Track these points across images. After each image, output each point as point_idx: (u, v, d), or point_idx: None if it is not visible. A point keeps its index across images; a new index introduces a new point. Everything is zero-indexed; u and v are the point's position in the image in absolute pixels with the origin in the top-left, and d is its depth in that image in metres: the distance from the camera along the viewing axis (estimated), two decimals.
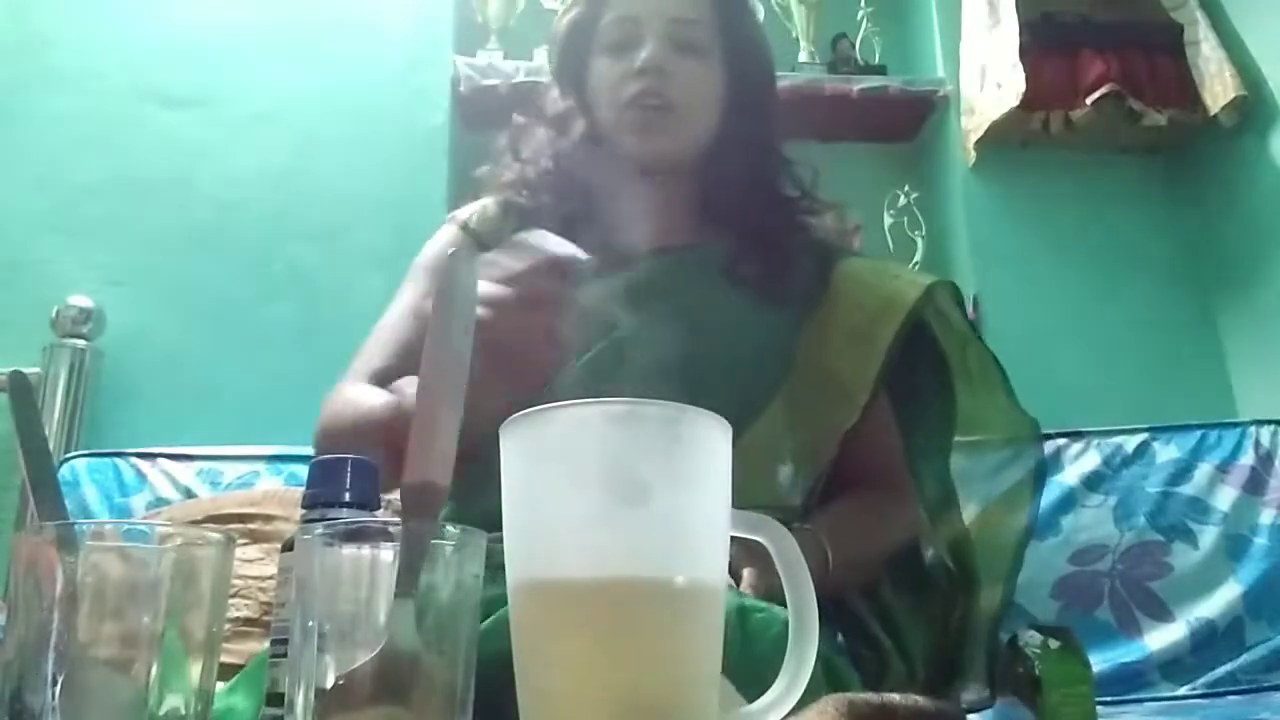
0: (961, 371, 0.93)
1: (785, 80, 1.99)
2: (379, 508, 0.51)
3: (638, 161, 0.99)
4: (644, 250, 0.95)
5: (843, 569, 0.82)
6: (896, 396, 0.95)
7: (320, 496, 0.50)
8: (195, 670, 0.38)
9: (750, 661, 0.45)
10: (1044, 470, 0.93)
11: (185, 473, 1.49)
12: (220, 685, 0.57)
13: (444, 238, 1.03)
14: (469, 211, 1.03)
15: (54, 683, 0.35)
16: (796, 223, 1.02)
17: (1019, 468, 0.91)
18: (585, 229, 0.93)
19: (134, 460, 1.49)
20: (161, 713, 0.37)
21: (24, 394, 0.41)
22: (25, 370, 0.45)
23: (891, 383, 0.93)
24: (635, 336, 0.82)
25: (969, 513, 0.89)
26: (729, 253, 0.97)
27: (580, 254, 0.57)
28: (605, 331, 0.86)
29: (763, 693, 0.41)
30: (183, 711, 0.37)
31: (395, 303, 0.98)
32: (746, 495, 0.43)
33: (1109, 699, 1.28)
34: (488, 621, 0.51)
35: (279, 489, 1.43)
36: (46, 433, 1.64)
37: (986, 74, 1.98)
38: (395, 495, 0.40)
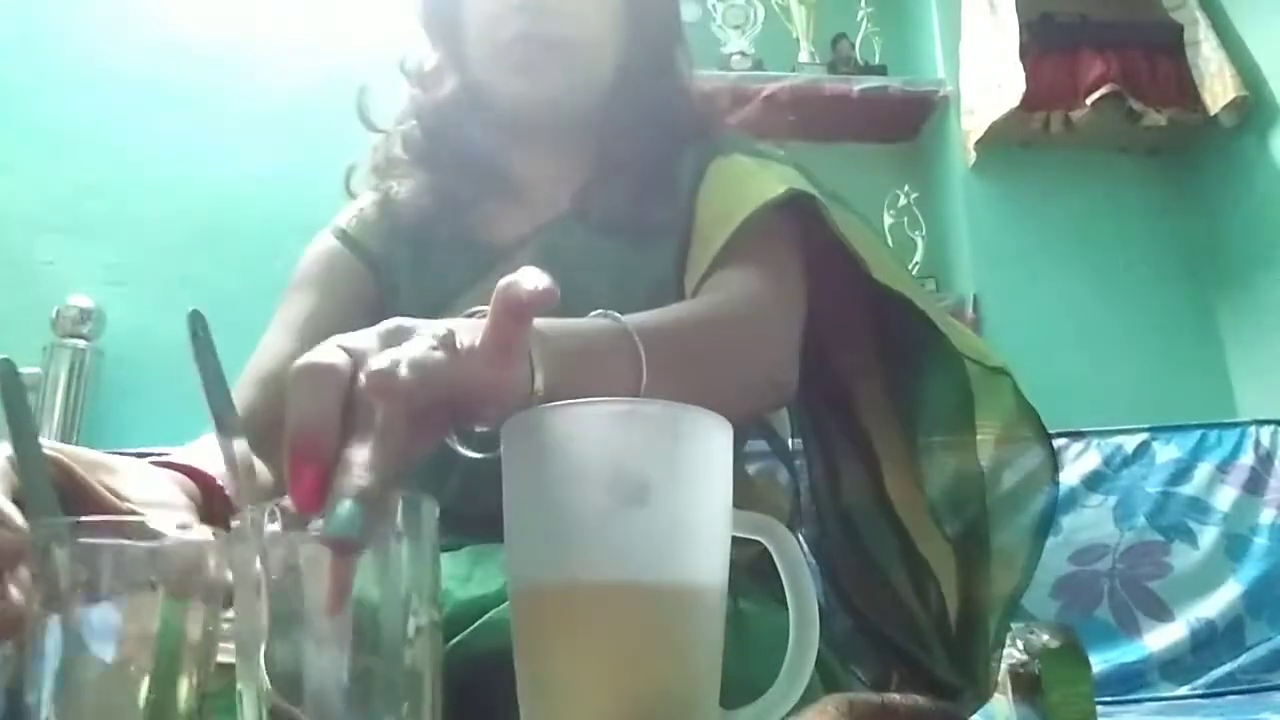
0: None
1: (785, 80, 2.00)
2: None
3: (516, 113, 0.85)
4: (523, 234, 0.83)
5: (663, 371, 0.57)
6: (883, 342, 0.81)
7: None
8: (191, 669, 0.38)
9: (747, 664, 0.44)
10: (1056, 460, 0.81)
11: None
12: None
13: (321, 247, 0.90)
14: (346, 216, 0.91)
15: (50, 682, 0.35)
16: (675, 150, 0.86)
17: (1033, 458, 0.78)
18: (459, 219, 0.84)
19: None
20: (156, 710, 0.36)
21: (13, 384, 0.41)
22: (25, 370, 0.45)
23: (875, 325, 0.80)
24: None
25: (983, 454, 0.76)
26: (600, 206, 0.83)
27: (543, 286, 0.41)
28: None
29: (761, 693, 0.41)
30: (180, 709, 0.37)
31: (275, 319, 0.86)
32: None
33: (1109, 699, 1.28)
34: (481, 620, 0.51)
35: None
36: (45, 432, 1.64)
37: (986, 74, 1.98)
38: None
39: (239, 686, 0.36)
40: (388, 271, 0.86)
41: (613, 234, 0.82)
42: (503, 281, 0.41)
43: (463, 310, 0.77)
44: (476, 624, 0.50)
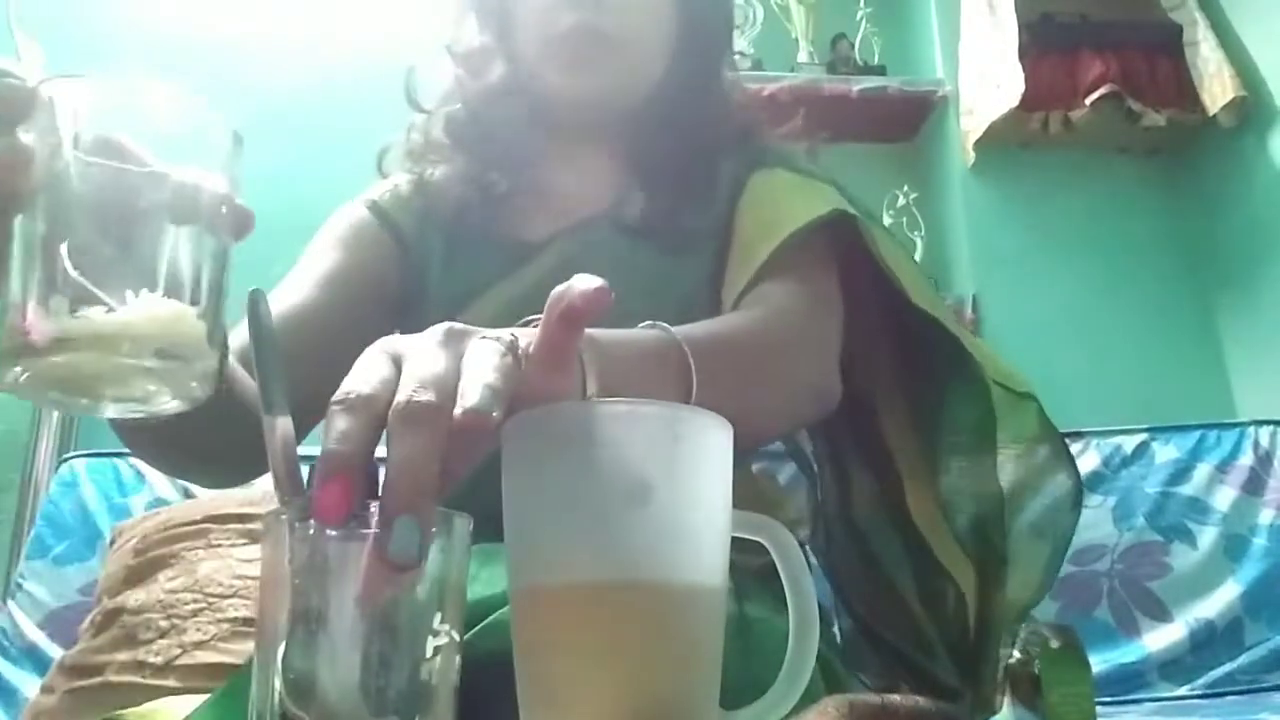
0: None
1: (785, 80, 2.00)
2: None
3: (565, 106, 0.85)
4: (558, 230, 0.83)
5: (712, 381, 0.58)
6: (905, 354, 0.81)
7: None
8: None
9: (751, 672, 0.44)
10: (1081, 484, 0.78)
11: None
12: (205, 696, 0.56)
13: (351, 215, 0.89)
14: (379, 190, 0.90)
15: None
16: (716, 157, 0.86)
17: (1060, 481, 0.77)
18: (495, 210, 0.84)
19: (133, 460, 1.49)
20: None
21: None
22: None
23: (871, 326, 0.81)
24: None
25: (1005, 475, 0.75)
26: (637, 208, 0.83)
27: (596, 291, 0.41)
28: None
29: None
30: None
31: (293, 272, 0.86)
32: None
33: (1108, 699, 1.28)
34: (486, 622, 0.51)
35: None
36: (45, 432, 1.64)
37: (986, 74, 1.98)
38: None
39: (253, 687, 0.36)
40: (418, 253, 0.85)
41: (647, 239, 0.81)
42: (558, 289, 0.40)
43: (491, 302, 0.79)
44: (480, 625, 0.50)
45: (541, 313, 0.41)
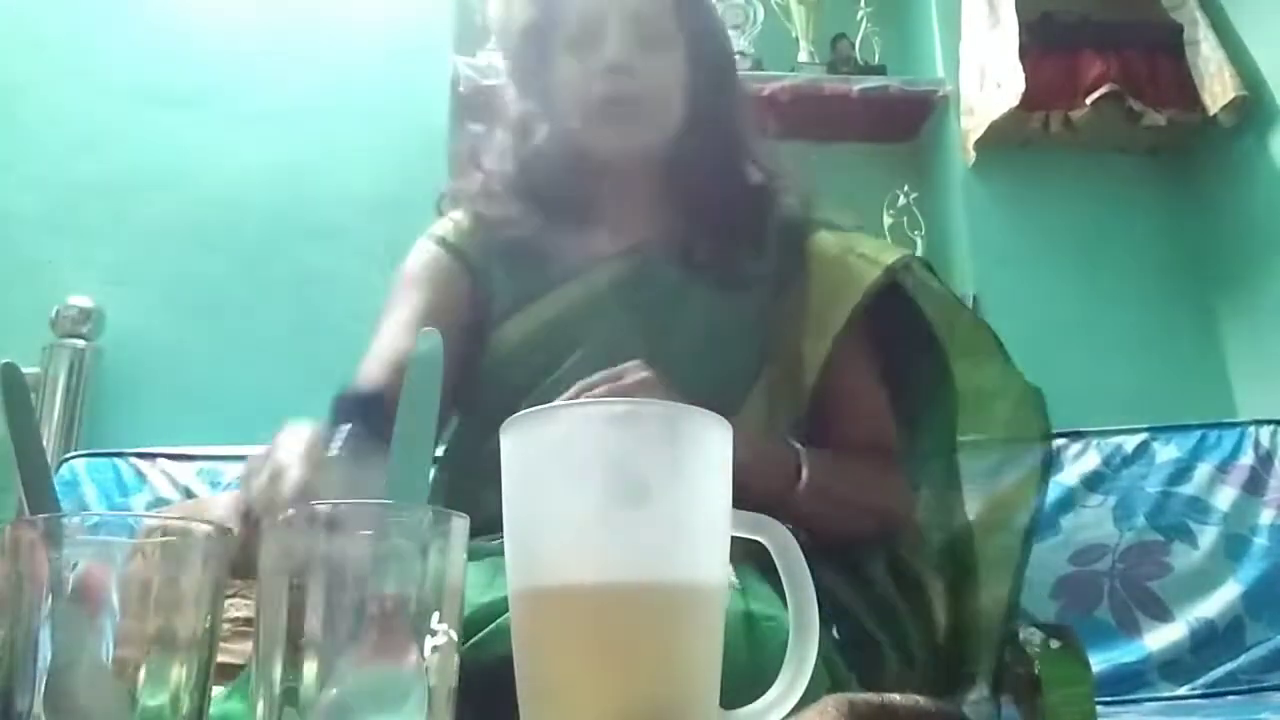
0: (955, 345, 0.92)
1: (785, 80, 2.00)
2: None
3: (606, 159, 0.97)
4: (605, 254, 0.95)
5: (814, 496, 0.82)
6: (894, 386, 0.95)
7: None
8: (187, 669, 0.37)
9: (756, 670, 0.44)
10: (1050, 464, 0.92)
11: (185, 473, 1.49)
12: (218, 689, 0.57)
13: (425, 254, 1.01)
14: (444, 227, 1.02)
15: (41, 683, 0.35)
16: (761, 204, 1.00)
17: (1023, 465, 0.89)
18: (550, 237, 0.96)
19: (134, 460, 1.49)
20: (151, 714, 0.36)
21: (17, 386, 0.41)
22: (25, 370, 0.45)
23: (887, 371, 0.94)
24: (599, 350, 0.83)
25: (972, 508, 0.89)
26: (687, 243, 0.96)
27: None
28: (570, 347, 0.88)
29: None
30: (172, 713, 0.36)
31: (389, 315, 0.96)
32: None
33: (1109, 699, 1.28)
34: (489, 628, 0.51)
35: None
36: (45, 432, 1.64)
37: (986, 74, 1.98)
38: None
39: (252, 687, 0.36)
40: (483, 276, 0.98)
41: (699, 272, 0.94)
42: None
43: (537, 314, 0.94)
44: (490, 627, 0.50)
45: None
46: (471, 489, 0.79)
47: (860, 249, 0.95)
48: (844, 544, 0.88)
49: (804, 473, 0.82)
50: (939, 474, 0.91)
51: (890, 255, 0.92)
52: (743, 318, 0.93)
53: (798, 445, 0.84)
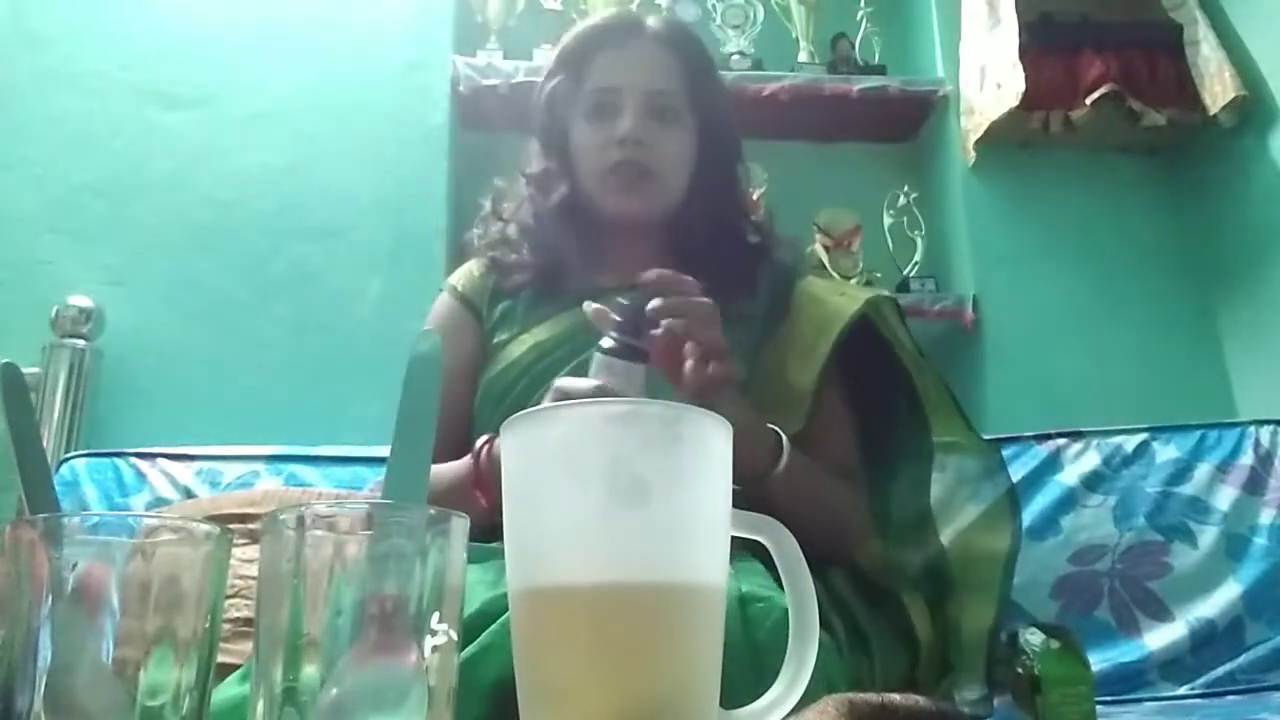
0: (923, 392, 1.00)
1: (785, 80, 2.00)
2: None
3: (615, 219, 1.06)
4: (611, 286, 1.00)
5: (789, 483, 0.87)
6: (867, 421, 1.03)
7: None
8: (187, 669, 0.37)
9: (751, 648, 0.45)
10: (1016, 496, 1.00)
11: (185, 473, 1.48)
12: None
13: (443, 307, 1.12)
14: (458, 277, 1.13)
15: (41, 683, 0.35)
16: (756, 258, 1.10)
17: (991, 490, 0.98)
18: (556, 279, 1.05)
19: (134, 460, 1.49)
20: (151, 714, 0.36)
21: (16, 386, 0.41)
22: (25, 370, 0.45)
23: (862, 406, 1.02)
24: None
25: (947, 535, 0.96)
26: None
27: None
28: (565, 363, 0.97)
29: (763, 679, 0.41)
30: (172, 713, 0.36)
31: None
32: None
33: (1109, 699, 1.28)
34: (501, 621, 0.52)
35: (278, 489, 1.43)
36: (45, 432, 1.64)
37: (986, 74, 1.98)
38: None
39: (252, 686, 0.36)
40: (488, 318, 1.09)
41: None
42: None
43: (530, 339, 1.04)
44: (497, 623, 0.51)
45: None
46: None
47: (844, 290, 1.07)
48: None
49: (784, 456, 0.87)
50: (911, 504, 0.98)
51: (868, 292, 1.04)
52: (734, 347, 0.97)
53: (779, 431, 0.89)
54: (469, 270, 1.14)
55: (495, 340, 1.06)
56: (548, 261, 1.07)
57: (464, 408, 1.03)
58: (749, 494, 0.83)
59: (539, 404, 0.87)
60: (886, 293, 1.03)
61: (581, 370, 0.85)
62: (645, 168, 1.04)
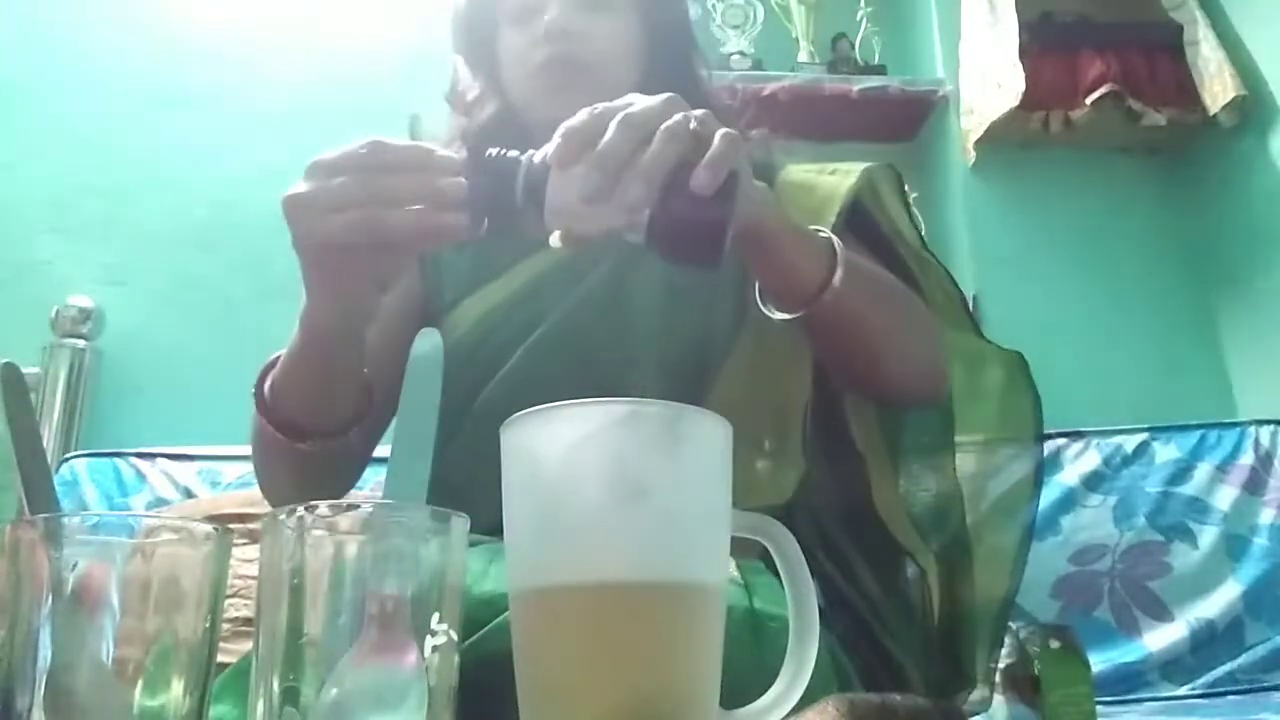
0: (929, 294, 0.87)
1: (785, 80, 2.00)
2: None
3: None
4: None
5: (853, 295, 0.69)
6: None
7: None
8: (187, 669, 0.37)
9: (765, 672, 0.44)
10: (1042, 469, 0.90)
11: (185, 473, 1.49)
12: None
13: None
14: None
15: (41, 683, 0.35)
16: None
17: (1019, 468, 0.88)
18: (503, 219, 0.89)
19: (134, 460, 1.49)
20: (151, 714, 0.36)
21: (17, 386, 0.41)
22: (25, 370, 0.45)
23: None
24: (564, 324, 0.82)
25: (971, 514, 0.86)
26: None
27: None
28: (532, 323, 0.84)
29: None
30: (172, 713, 0.36)
31: None
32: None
33: (1109, 699, 1.28)
34: (496, 621, 0.51)
35: None
36: (45, 432, 1.64)
37: (986, 74, 1.98)
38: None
39: (252, 687, 0.36)
40: (432, 269, 0.94)
41: None
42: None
43: (501, 287, 0.89)
44: (492, 624, 0.50)
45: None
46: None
47: (833, 167, 0.89)
48: (889, 391, 0.82)
49: (839, 264, 0.68)
50: (929, 430, 0.86)
51: (861, 165, 0.87)
52: (714, 275, 0.82)
53: (830, 234, 0.72)
54: None
55: (442, 302, 0.92)
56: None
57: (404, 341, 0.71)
58: (813, 315, 0.68)
59: (490, 398, 0.80)
60: (880, 165, 0.88)
61: (550, 349, 0.78)
62: (576, 61, 0.87)
